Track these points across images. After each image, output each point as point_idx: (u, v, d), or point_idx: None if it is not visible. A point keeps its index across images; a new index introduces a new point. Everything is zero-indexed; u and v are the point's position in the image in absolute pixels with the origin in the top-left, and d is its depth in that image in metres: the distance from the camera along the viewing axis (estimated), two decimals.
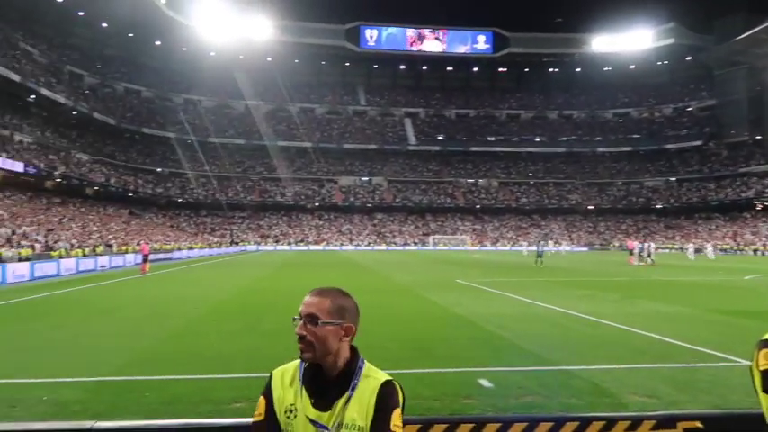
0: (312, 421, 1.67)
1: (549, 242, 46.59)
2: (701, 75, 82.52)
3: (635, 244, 36.66)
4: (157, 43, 76.92)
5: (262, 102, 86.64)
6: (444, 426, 2.14)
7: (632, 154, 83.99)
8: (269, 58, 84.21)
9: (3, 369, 7.18)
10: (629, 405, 5.62)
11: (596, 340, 9.08)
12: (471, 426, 2.17)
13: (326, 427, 1.67)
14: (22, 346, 8.91)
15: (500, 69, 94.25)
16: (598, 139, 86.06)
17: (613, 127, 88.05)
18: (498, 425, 2.19)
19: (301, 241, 71.08)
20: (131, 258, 33.90)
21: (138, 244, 38.29)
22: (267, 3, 75.62)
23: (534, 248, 35.20)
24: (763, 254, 52.78)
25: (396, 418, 1.66)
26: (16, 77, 47.29)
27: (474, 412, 5.32)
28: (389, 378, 1.75)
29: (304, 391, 1.70)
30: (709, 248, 47.26)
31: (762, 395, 2.21)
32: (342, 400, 1.67)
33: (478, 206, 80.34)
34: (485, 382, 6.38)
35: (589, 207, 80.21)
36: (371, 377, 1.74)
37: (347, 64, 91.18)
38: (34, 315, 12.56)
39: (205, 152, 77.81)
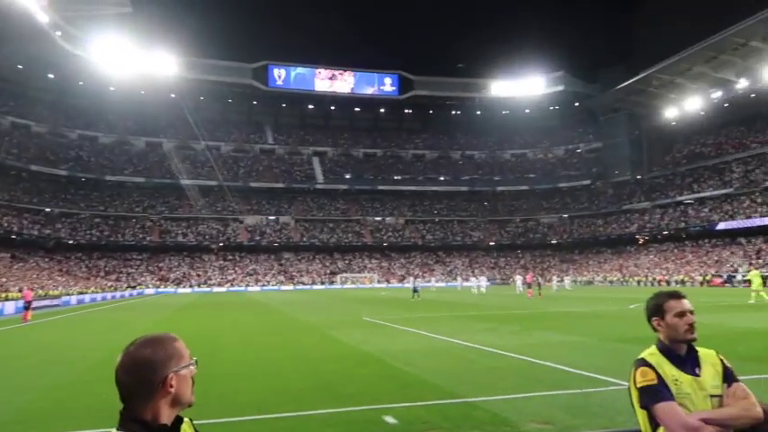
0: None
1: (418, 278, 49.89)
2: (588, 119, 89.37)
3: (530, 277, 38.44)
4: (51, 76, 72.78)
5: (164, 139, 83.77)
6: None
7: (529, 192, 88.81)
8: (172, 95, 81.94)
9: None
10: None
11: (497, 372, 9.31)
12: None
13: None
14: None
15: (406, 111, 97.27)
16: (497, 178, 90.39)
17: (512, 167, 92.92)
18: None
19: (204, 283, 68.36)
20: (11, 306, 31.00)
21: (21, 290, 35.13)
22: (171, 39, 74.10)
23: (412, 285, 38.15)
24: (645, 284, 56.89)
25: None
26: None
27: None
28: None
29: None
30: (567, 281, 54.58)
31: (639, 411, 2.37)
32: None
33: (385, 244, 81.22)
34: (390, 419, 6.33)
35: (490, 243, 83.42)
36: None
37: (255, 102, 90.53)
38: None
39: (101, 191, 73.68)
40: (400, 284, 70.71)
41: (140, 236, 72.35)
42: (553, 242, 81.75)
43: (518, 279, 45.36)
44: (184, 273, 70.57)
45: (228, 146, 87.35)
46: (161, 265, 71.46)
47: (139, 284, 65.11)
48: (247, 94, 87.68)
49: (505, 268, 78.40)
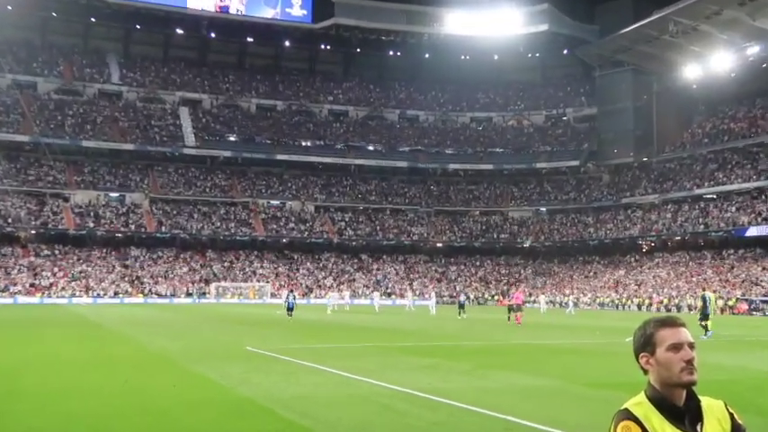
0: None
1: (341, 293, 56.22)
2: (581, 75, 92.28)
3: (522, 297, 38.70)
4: None
5: None
6: None
7: (494, 173, 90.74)
8: None
9: None
10: None
11: (436, 428, 9.40)
12: None
13: None
14: None
15: (322, 47, 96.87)
16: (451, 151, 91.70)
17: (471, 136, 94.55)
18: None
19: (4, 290, 65.65)
20: None
21: None
22: None
23: (285, 300, 40.51)
24: (649, 309, 59.44)
25: None
26: None
27: None
28: None
29: None
30: (541, 301, 56.73)
31: None
32: None
33: (286, 240, 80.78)
34: None
35: (437, 244, 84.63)
36: None
37: (93, 20, 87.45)
38: None
39: None
40: (305, 300, 70.57)
41: None
42: (525, 245, 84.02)
43: (432, 294, 53.04)
44: None
45: (50, 83, 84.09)
46: None
47: None
48: (82, 7, 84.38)
49: (457, 281, 79.78)
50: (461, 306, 43.32)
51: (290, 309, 37.20)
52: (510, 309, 36.92)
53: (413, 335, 27.71)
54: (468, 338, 25.99)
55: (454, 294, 71.36)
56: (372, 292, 68.57)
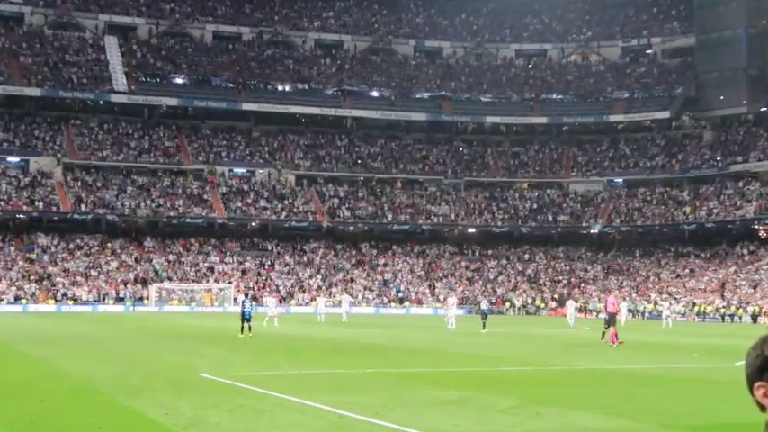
0: None
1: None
2: None
3: (616, 303, 38.45)
4: None
5: None
6: None
7: (550, 130, 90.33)
8: None
9: None
10: None
11: None
12: None
13: None
14: None
15: None
16: (487, 98, 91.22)
17: (518, 77, 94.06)
18: None
19: None
20: None
21: None
22: None
23: (240, 308, 39.91)
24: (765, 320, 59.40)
25: None
26: None
27: None
28: None
29: None
30: (623, 308, 52.92)
31: None
32: None
33: (255, 223, 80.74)
34: None
35: (469, 230, 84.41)
36: None
37: None
38: None
39: None
40: (284, 308, 70.78)
41: None
42: (593, 232, 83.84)
43: (450, 300, 51.88)
44: None
45: None
46: None
47: None
48: None
49: (497, 281, 79.61)
50: (484, 316, 44.40)
51: (246, 319, 37.25)
52: (606, 322, 36.38)
53: (430, 357, 27.59)
54: (511, 361, 25.91)
55: (494, 300, 71.28)
56: (337, 294, 68.90)
